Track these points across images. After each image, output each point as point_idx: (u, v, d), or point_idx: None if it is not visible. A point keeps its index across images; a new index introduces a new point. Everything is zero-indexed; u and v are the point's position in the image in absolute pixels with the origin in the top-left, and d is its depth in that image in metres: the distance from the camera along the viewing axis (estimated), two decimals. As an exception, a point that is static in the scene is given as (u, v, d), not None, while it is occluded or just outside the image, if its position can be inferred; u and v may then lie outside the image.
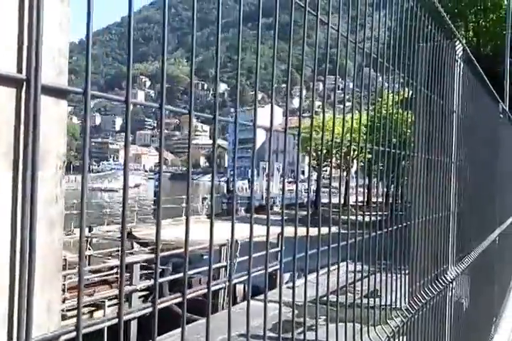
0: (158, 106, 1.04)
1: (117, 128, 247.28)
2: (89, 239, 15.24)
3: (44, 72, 0.77)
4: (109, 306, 10.76)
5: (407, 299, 2.23)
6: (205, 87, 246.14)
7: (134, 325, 10.70)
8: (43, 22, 0.77)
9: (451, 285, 2.99)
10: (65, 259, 10.77)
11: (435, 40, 2.55)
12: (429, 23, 2.39)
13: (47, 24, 0.79)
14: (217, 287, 11.78)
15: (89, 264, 12.90)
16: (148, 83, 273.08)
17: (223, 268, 12.16)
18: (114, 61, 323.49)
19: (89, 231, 16.14)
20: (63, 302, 10.21)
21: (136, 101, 1.05)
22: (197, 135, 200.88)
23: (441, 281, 2.74)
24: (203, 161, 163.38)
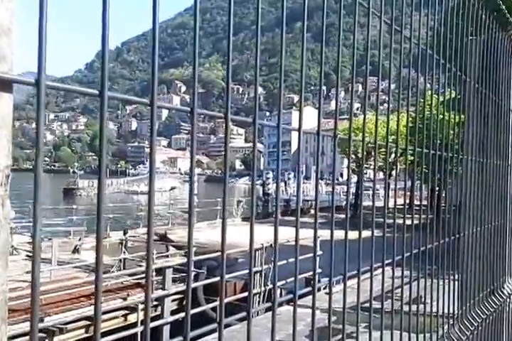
0: (190, 109, 1.00)
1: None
2: (124, 242, 15.39)
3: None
4: (142, 310, 10.83)
5: (459, 317, 2.11)
6: (240, 90, 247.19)
7: (166, 330, 10.73)
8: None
9: (508, 299, 2.78)
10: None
11: (489, 31, 2.41)
12: (483, 13, 2.25)
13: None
14: (253, 292, 11.74)
15: (124, 267, 13.02)
16: (183, 88, 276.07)
17: (258, 273, 12.09)
18: (149, 66, 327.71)
19: (124, 234, 16.31)
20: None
21: (163, 104, 1.00)
22: (232, 138, 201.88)
23: (497, 296, 2.56)
24: (238, 164, 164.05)
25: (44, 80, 0.72)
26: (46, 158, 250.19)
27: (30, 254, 15.69)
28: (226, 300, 10.95)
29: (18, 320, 9.20)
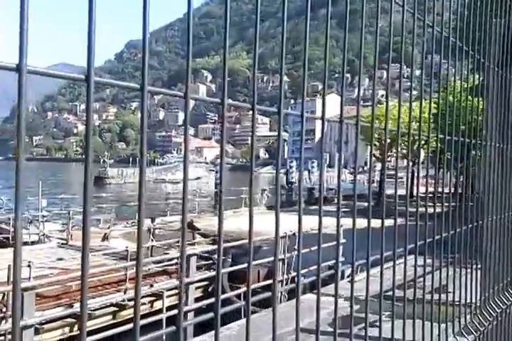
0: (220, 101, 1.02)
1: (180, 122, 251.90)
2: (151, 230, 15.56)
3: None
4: (167, 296, 10.97)
5: (480, 306, 2.09)
6: (265, 79, 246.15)
7: (191, 316, 10.86)
8: None
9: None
10: (127, 250, 11.08)
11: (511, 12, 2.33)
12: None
13: None
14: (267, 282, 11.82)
15: (151, 255, 13.18)
16: (209, 77, 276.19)
17: (281, 261, 12.15)
18: (177, 56, 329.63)
19: (152, 222, 16.50)
20: (124, 293, 10.52)
21: (196, 96, 1.02)
22: (257, 127, 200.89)
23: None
24: (262, 153, 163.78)
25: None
26: (78, 148, 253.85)
27: (62, 241, 15.99)
28: (241, 291, 10.99)
29: (50, 306, 9.42)
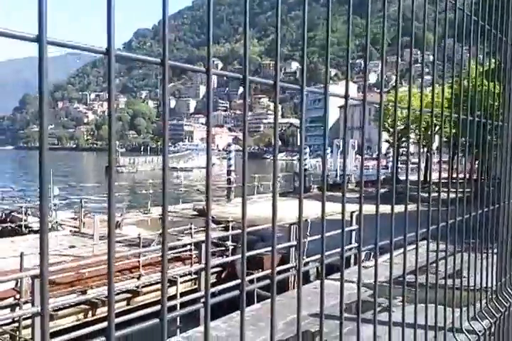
0: (242, 76, 1.02)
1: (191, 110, 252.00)
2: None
3: None
4: (181, 283, 11.08)
5: (496, 289, 2.08)
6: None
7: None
8: None
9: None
10: (140, 237, 11.18)
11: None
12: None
13: None
14: (288, 265, 11.86)
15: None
16: (220, 65, 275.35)
17: (293, 248, 12.20)
18: (186, 44, 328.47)
19: (164, 209, 16.57)
20: (138, 278, 10.64)
21: (218, 71, 1.04)
22: (268, 114, 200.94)
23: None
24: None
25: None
26: (89, 137, 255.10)
27: (74, 229, 16.14)
28: (262, 273, 11.11)
29: (64, 293, 9.54)
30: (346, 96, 1.34)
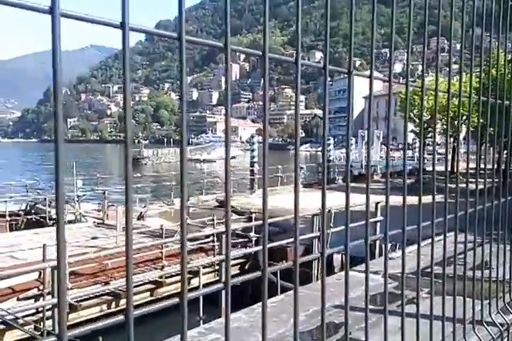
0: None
1: (214, 101, 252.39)
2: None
3: None
4: (203, 274, 11.13)
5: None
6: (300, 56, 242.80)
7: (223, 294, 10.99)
8: None
9: None
10: (162, 228, 11.27)
11: None
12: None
13: None
14: (312, 256, 11.84)
15: (186, 232, 13.37)
16: (242, 56, 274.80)
17: (316, 239, 12.16)
18: (208, 35, 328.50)
19: (187, 200, 16.70)
20: (161, 269, 10.74)
21: (237, 48, 1.03)
22: (291, 105, 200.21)
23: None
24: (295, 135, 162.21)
25: (127, 24, 0.75)
26: (112, 129, 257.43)
27: (98, 221, 16.37)
28: (285, 265, 11.08)
29: (86, 284, 9.67)
30: (371, 76, 1.32)
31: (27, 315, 8.41)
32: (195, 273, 11.07)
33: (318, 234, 11.98)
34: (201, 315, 9.96)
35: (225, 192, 0.95)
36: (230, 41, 0.90)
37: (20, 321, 8.21)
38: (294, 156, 1.16)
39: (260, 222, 11.51)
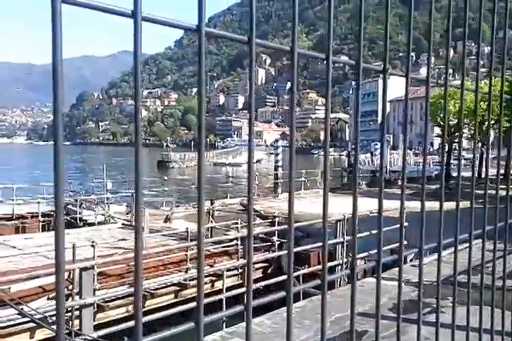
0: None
1: (240, 106, 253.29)
2: (211, 212, 15.85)
3: None
4: (227, 277, 11.13)
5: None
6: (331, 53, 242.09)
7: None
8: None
9: None
10: (187, 231, 11.31)
11: None
12: None
13: None
14: (334, 263, 11.73)
15: (211, 236, 13.42)
16: (268, 61, 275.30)
17: (339, 245, 12.06)
18: (235, 42, 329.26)
19: (211, 204, 16.77)
20: (186, 272, 10.78)
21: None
22: (317, 109, 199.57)
23: None
24: (323, 135, 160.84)
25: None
26: (142, 133, 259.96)
27: (126, 223, 16.57)
28: (308, 270, 10.95)
29: (115, 285, 9.76)
30: (407, 74, 1.29)
31: (56, 314, 8.54)
32: (220, 276, 11.09)
33: (342, 239, 11.87)
34: (224, 318, 9.95)
35: (248, 198, 0.94)
36: (254, 35, 0.89)
37: (50, 320, 8.34)
38: (324, 162, 1.15)
39: (284, 226, 11.47)
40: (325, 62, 1.03)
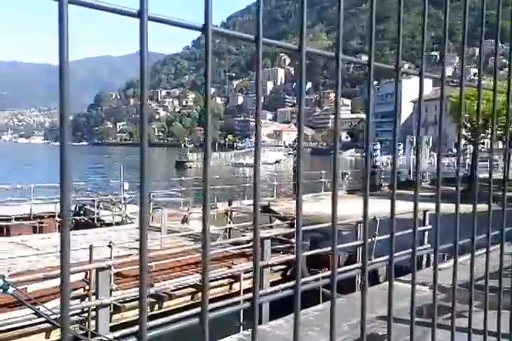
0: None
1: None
2: (228, 213, 15.81)
3: None
4: (245, 279, 11.05)
5: None
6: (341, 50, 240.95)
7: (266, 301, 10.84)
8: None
9: None
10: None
11: None
12: None
13: None
14: (354, 266, 11.61)
15: (228, 237, 13.39)
16: (287, 60, 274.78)
17: (360, 247, 11.91)
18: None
19: (229, 205, 16.75)
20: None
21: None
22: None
23: None
24: (344, 136, 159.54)
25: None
26: (160, 133, 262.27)
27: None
28: (327, 273, 10.82)
29: (131, 285, 9.77)
30: (421, 73, 1.26)
31: (72, 315, 8.58)
32: (237, 278, 11.03)
33: (361, 242, 11.74)
34: (241, 320, 9.92)
35: (254, 201, 0.92)
36: (261, 34, 0.88)
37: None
38: (333, 164, 1.12)
39: (304, 227, 11.39)
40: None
